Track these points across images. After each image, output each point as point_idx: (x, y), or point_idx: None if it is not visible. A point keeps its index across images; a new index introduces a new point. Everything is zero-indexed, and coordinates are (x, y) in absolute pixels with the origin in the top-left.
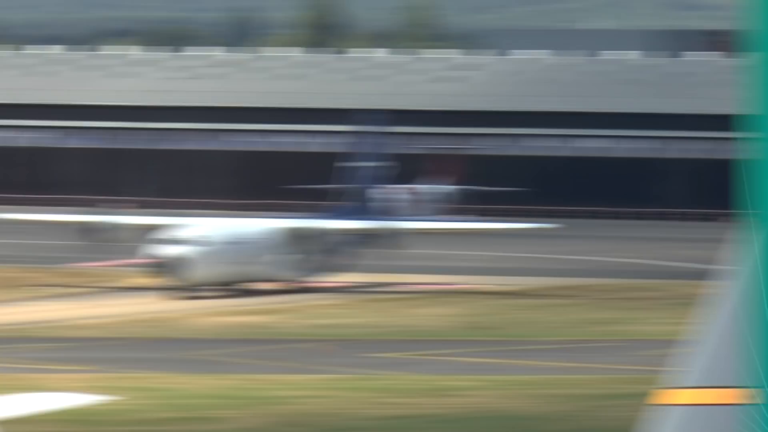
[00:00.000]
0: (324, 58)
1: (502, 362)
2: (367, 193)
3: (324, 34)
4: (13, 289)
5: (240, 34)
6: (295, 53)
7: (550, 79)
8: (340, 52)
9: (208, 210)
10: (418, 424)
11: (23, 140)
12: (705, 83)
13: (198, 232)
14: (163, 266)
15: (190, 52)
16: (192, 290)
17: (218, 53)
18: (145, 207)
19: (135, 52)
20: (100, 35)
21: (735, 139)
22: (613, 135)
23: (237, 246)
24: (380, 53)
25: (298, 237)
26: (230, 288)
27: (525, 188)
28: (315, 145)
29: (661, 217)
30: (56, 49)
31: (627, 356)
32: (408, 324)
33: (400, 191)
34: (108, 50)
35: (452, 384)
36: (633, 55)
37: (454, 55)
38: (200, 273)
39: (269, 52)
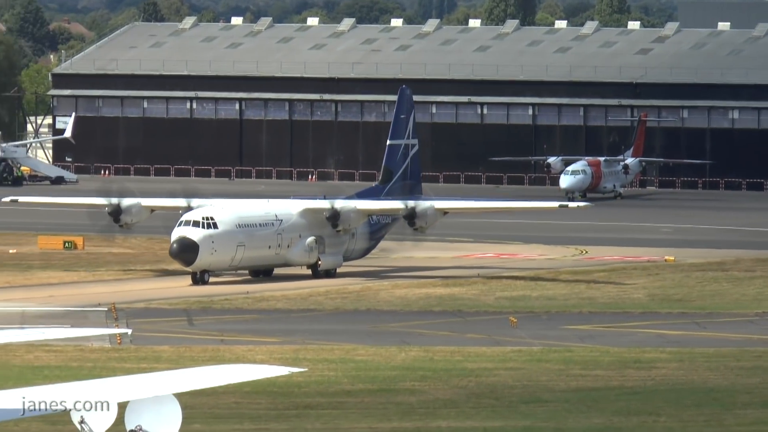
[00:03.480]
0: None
1: (690, 334)
2: (401, 172)
3: (512, 6)
4: None
5: (438, 8)
6: (477, 25)
7: (733, 52)
8: (524, 25)
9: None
10: (605, 396)
11: (230, 112)
12: None
13: (208, 213)
14: (174, 250)
15: (396, 24)
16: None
17: (426, 27)
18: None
19: (343, 25)
20: (304, 8)
21: None
22: None
23: (248, 229)
24: (562, 25)
25: (315, 218)
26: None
27: (708, 160)
28: (524, 117)
29: None
30: (262, 23)
31: None
32: (594, 296)
33: (583, 163)
34: (314, 23)
35: (639, 356)
36: None
37: (637, 28)
38: (207, 257)
39: (473, 25)
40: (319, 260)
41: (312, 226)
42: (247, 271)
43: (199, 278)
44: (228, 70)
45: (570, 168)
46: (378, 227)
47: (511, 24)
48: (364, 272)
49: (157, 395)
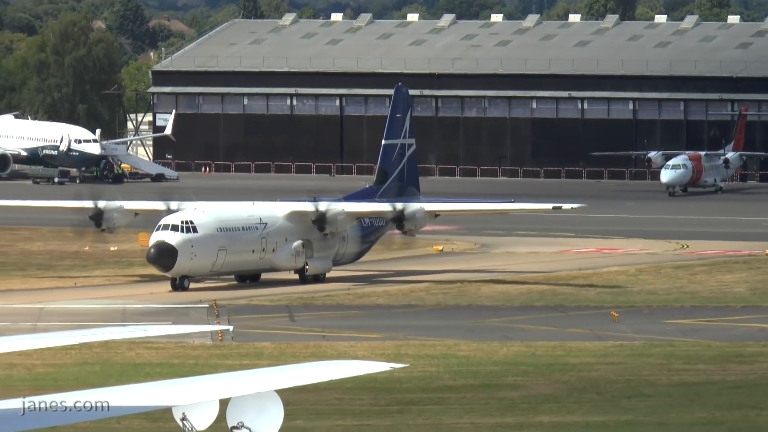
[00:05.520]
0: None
1: None
2: (398, 173)
3: (612, 1)
4: None
5: (538, 3)
6: (577, 20)
7: None
8: (624, 19)
9: (504, 177)
10: (707, 391)
11: (330, 108)
12: None
13: (187, 217)
14: (152, 255)
15: (497, 20)
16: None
17: (526, 22)
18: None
19: (443, 21)
20: (404, 4)
21: None
22: None
23: (230, 233)
24: (662, 20)
25: (302, 222)
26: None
27: None
28: (625, 112)
29: None
30: (362, 19)
31: None
32: (696, 290)
33: (684, 158)
34: (414, 19)
35: (741, 350)
36: None
37: (737, 22)
38: (186, 262)
39: (573, 20)
40: (307, 265)
41: (299, 229)
42: (233, 277)
43: (178, 284)
44: (328, 66)
45: (671, 162)
46: (371, 230)
47: (611, 19)
48: (354, 276)
49: (258, 392)
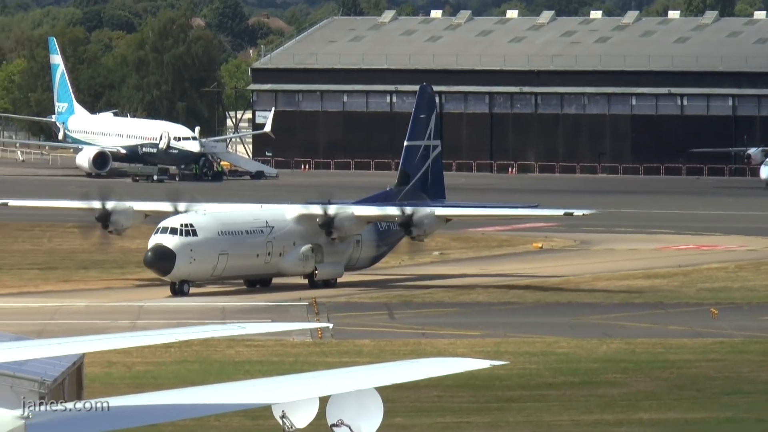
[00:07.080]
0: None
1: None
2: (421, 176)
3: None
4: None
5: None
6: (677, 16)
7: None
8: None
9: (603, 174)
10: None
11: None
12: None
13: (187, 220)
14: (149, 259)
15: (596, 16)
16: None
17: (625, 18)
18: (527, 172)
19: (543, 17)
20: (503, 1)
21: None
22: None
23: (232, 237)
24: (761, 15)
25: (311, 225)
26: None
27: None
28: (724, 109)
29: None
30: (461, 16)
31: None
32: None
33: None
34: (513, 15)
35: None
36: None
37: None
38: (184, 266)
39: (672, 16)
40: (316, 270)
41: (308, 233)
42: (223, 281)
43: (178, 289)
44: (428, 64)
45: None
46: (388, 234)
47: (711, 15)
48: (367, 281)
49: (358, 389)
